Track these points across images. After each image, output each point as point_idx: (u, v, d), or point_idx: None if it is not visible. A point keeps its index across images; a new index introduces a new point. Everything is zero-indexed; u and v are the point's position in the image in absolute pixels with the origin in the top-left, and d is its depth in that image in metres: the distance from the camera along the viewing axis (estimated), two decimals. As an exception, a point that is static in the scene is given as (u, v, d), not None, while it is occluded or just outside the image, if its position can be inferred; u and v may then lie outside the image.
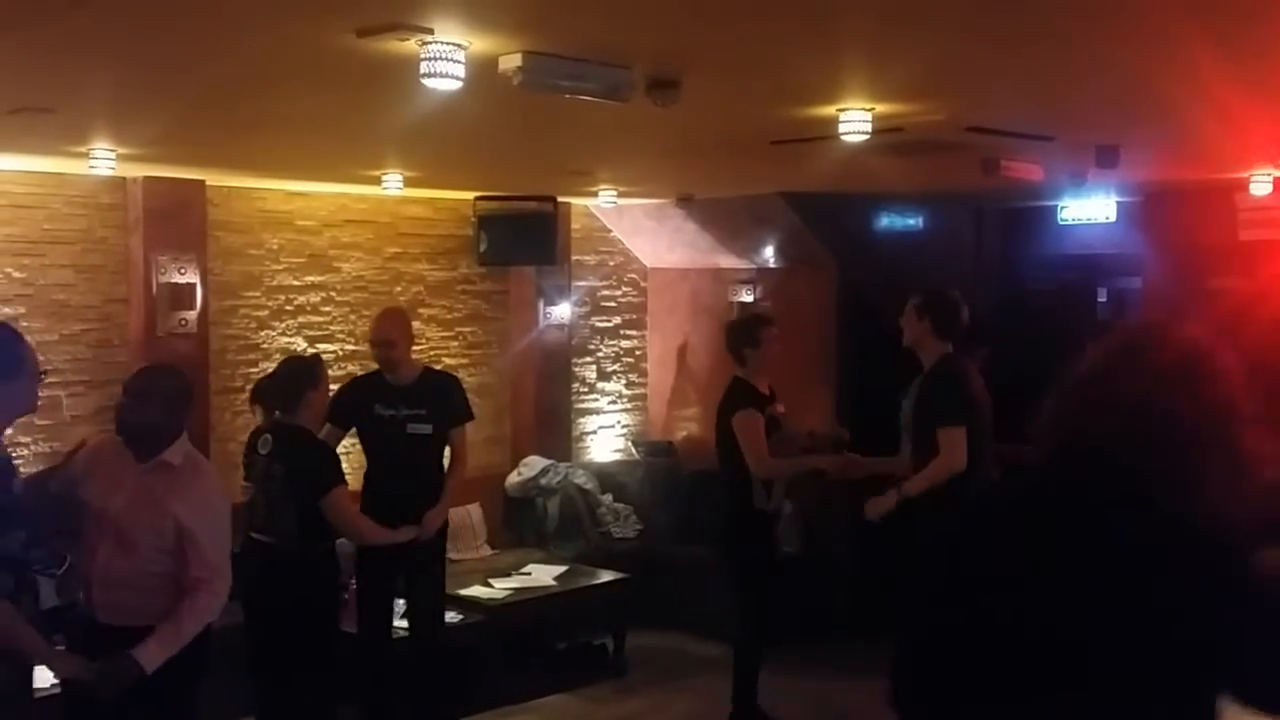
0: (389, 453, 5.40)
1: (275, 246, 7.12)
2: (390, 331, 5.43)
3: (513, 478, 7.78)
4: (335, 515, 4.77)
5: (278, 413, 4.93)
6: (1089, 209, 7.66)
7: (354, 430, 5.58)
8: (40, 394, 3.69)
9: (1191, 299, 6.86)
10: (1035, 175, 5.67)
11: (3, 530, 3.43)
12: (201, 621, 3.74)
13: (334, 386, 7.28)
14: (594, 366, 8.68)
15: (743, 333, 5.67)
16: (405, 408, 5.33)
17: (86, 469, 3.91)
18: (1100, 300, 9.57)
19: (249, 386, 6.95)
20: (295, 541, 4.73)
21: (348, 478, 5.03)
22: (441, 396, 5.46)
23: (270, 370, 5.79)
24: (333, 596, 5.02)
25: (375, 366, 5.55)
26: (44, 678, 4.05)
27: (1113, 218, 7.61)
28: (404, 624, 5.60)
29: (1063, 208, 7.79)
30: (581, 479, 7.86)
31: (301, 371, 4.95)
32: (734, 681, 5.64)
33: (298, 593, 4.76)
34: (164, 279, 6.41)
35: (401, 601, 5.58)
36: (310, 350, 7.24)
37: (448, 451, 5.56)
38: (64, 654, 3.77)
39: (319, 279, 7.31)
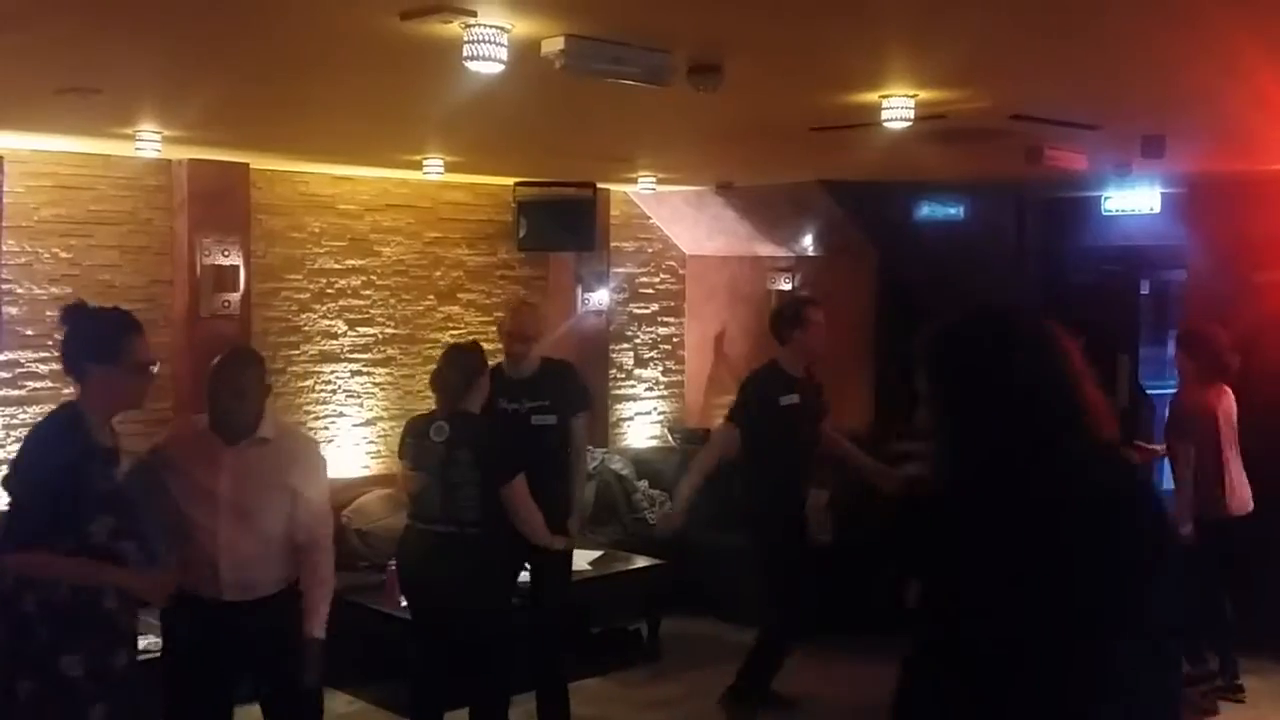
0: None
1: (317, 230, 7.18)
2: (531, 328, 5.41)
3: (549, 463, 7.79)
4: (515, 503, 4.77)
5: (450, 401, 4.84)
6: (1133, 200, 7.56)
7: None
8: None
9: (1237, 292, 6.76)
10: (1079, 165, 5.61)
11: (90, 517, 3.43)
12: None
13: (377, 371, 7.43)
14: (631, 353, 8.69)
15: (789, 313, 5.78)
16: (528, 400, 5.32)
17: (178, 455, 3.99)
18: (1143, 293, 9.46)
19: (290, 368, 7.05)
20: (481, 526, 4.69)
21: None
22: (562, 385, 5.44)
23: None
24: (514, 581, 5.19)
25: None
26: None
27: (1157, 209, 7.50)
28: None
29: (1106, 198, 7.70)
30: (618, 465, 7.88)
31: (469, 359, 4.90)
32: (749, 661, 5.67)
33: (488, 578, 4.77)
34: (208, 261, 6.48)
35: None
36: (350, 334, 7.31)
37: None
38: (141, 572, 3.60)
39: (360, 263, 7.36)
